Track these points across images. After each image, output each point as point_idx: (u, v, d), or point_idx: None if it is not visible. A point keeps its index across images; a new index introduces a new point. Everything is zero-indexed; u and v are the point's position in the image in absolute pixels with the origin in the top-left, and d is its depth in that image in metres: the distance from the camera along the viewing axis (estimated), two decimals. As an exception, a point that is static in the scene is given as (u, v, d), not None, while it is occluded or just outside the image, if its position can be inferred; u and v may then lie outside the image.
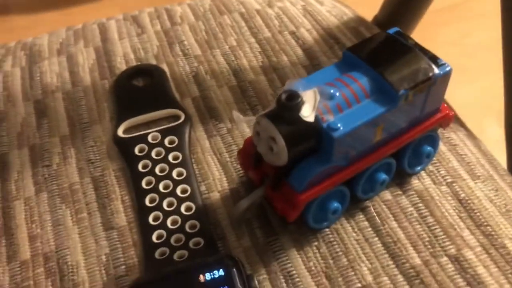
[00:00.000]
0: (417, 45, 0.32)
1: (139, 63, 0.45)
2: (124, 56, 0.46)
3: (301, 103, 0.28)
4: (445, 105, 0.34)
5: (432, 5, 0.66)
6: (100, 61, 0.46)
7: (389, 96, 0.29)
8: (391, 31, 0.33)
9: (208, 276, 0.29)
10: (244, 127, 0.32)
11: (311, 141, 0.29)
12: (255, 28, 0.47)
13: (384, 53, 0.31)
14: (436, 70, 0.30)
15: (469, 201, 0.34)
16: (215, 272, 0.29)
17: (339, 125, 0.28)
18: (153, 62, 0.45)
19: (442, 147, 0.37)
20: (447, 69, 0.31)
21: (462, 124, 0.40)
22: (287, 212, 0.30)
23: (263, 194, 0.32)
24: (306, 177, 0.30)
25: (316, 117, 0.28)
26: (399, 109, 0.30)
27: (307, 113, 0.28)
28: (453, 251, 0.32)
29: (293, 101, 0.27)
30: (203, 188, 0.36)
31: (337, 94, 0.29)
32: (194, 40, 0.47)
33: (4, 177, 0.38)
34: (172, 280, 0.29)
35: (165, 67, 0.44)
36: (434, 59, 0.31)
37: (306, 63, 0.43)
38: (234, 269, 0.29)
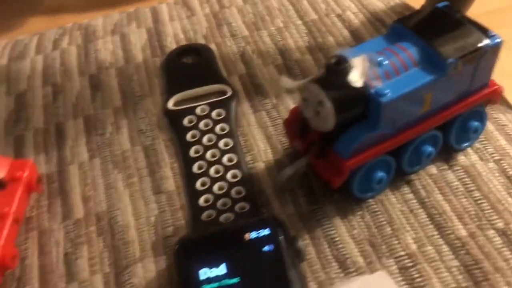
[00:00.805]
0: (466, 17, 0.32)
1: (188, 43, 0.46)
2: (174, 37, 0.47)
3: (349, 68, 0.28)
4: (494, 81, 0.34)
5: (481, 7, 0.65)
6: (152, 40, 0.47)
7: (438, 65, 0.30)
8: (440, 5, 0.33)
9: (253, 234, 0.30)
10: (290, 93, 0.32)
11: (358, 106, 0.29)
12: (301, 11, 0.48)
13: (433, 24, 0.32)
14: (486, 41, 0.30)
15: (517, 178, 0.34)
16: (261, 231, 0.30)
17: (387, 91, 0.29)
18: (202, 42, 0.46)
19: (489, 126, 0.37)
20: (498, 40, 0.31)
21: (510, 106, 0.40)
22: (332, 178, 0.31)
23: (307, 162, 0.33)
24: (352, 144, 0.30)
25: (364, 83, 0.29)
26: (448, 78, 0.30)
27: (355, 78, 0.28)
28: (500, 225, 0.31)
29: (341, 65, 0.28)
30: (248, 158, 0.37)
31: (386, 62, 0.30)
32: (241, 22, 0.48)
33: (60, 144, 0.40)
34: (218, 238, 0.30)
35: (213, 47, 0.46)
36: (484, 30, 0.31)
37: (352, 44, 0.44)
38: (279, 229, 0.30)
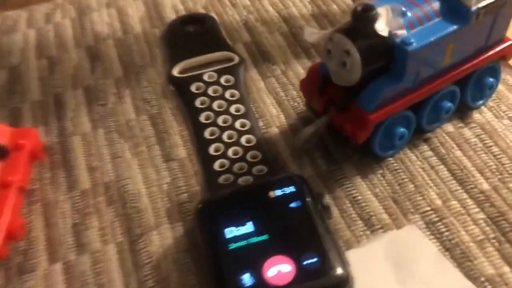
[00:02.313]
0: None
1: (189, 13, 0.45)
2: (173, 7, 0.46)
3: (376, 15, 0.28)
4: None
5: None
6: (150, 12, 0.46)
7: (461, 14, 0.29)
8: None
9: (278, 192, 0.29)
10: (313, 41, 0.30)
11: (385, 56, 0.29)
12: (302, -19, 0.47)
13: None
14: (506, -8, 0.30)
15: (533, 134, 0.34)
16: (285, 188, 0.29)
17: (412, 40, 0.28)
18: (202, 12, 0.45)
19: (500, 86, 0.37)
20: (517, -9, 0.31)
21: (516, 70, 0.40)
22: (356, 132, 0.30)
23: (327, 121, 0.32)
24: (376, 97, 0.29)
25: (390, 33, 0.28)
26: (470, 29, 0.30)
27: (381, 27, 0.28)
28: (521, 177, 0.31)
29: (368, 12, 0.27)
30: (261, 124, 0.36)
31: (409, 12, 0.29)
32: (241, -7, 0.47)
33: (60, 115, 0.38)
34: (242, 196, 0.29)
35: (214, 16, 0.45)
36: (503, -19, 0.31)
37: (356, 11, 0.43)
38: (304, 186, 0.29)
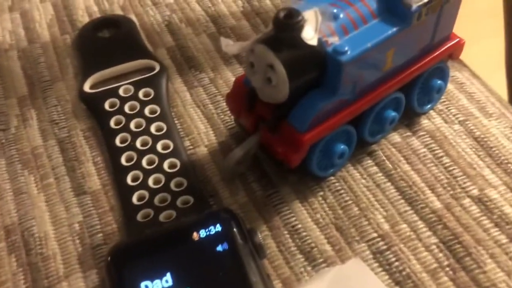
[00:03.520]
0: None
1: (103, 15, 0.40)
2: (86, 9, 0.40)
3: (303, 21, 0.23)
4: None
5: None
6: (59, 15, 0.40)
7: (400, 15, 0.26)
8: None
9: (202, 233, 0.25)
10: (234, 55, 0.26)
11: (315, 69, 0.25)
12: (231, -26, 0.43)
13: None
14: (449, -14, 0.27)
15: (485, 139, 0.31)
16: (211, 228, 0.25)
17: (346, 48, 0.24)
18: (120, 13, 0.40)
19: (449, 86, 0.34)
20: (461, -16, 0.27)
21: (465, 64, 0.37)
22: (289, 155, 0.26)
23: (258, 140, 0.28)
24: (309, 114, 0.26)
25: (319, 40, 0.24)
26: (411, 30, 0.26)
27: (309, 35, 0.24)
28: (475, 191, 0.28)
29: (293, 19, 0.23)
30: (187, 143, 0.32)
31: (341, 14, 0.25)
32: (164, -11, 0.42)
33: (-47, 146, 0.33)
34: (161, 241, 0.25)
35: (133, 18, 0.39)
36: (445, -26, 0.27)
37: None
38: (232, 222, 0.25)
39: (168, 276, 0.23)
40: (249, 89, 0.27)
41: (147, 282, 0.23)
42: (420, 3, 0.26)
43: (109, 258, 0.24)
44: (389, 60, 0.27)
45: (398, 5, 0.26)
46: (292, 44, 0.24)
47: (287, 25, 0.23)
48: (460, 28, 0.31)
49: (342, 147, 0.28)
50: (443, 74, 0.31)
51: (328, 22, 0.25)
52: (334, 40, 0.25)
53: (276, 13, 0.24)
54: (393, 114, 0.29)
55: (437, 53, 0.29)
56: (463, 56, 0.35)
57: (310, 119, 0.26)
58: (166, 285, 0.23)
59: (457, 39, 0.30)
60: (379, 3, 0.26)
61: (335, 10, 0.25)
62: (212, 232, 0.25)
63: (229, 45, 0.25)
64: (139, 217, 0.28)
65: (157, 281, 0.23)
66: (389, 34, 0.25)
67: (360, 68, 0.25)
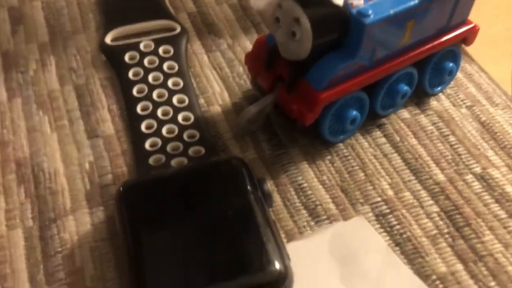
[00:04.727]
0: None
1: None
2: (112, -29, 0.41)
3: (331, -20, 0.24)
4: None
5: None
6: (85, -27, 0.41)
7: (423, -12, 0.27)
8: None
9: (214, 176, 0.25)
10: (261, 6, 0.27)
11: (338, 28, 0.26)
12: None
13: None
14: (472, -32, 0.28)
15: (490, 124, 0.32)
16: (223, 173, 0.25)
17: (370, 11, 0.25)
18: (145, -21, 0.41)
19: (458, 74, 0.35)
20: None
21: (473, 58, 0.38)
22: (304, 113, 0.27)
23: (273, 100, 0.29)
24: (327, 74, 0.26)
25: (345, 2, 0.25)
26: (431, 6, 0.27)
27: (336, -6, 0.25)
28: (478, 169, 0.29)
29: (322, -24, 0.24)
30: (201, 101, 0.32)
31: (367, -19, 0.26)
32: (190, -39, 0.43)
33: (-30, 82, 0.33)
34: (171, 182, 0.25)
35: (158, -17, 0.40)
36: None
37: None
38: (243, 169, 0.25)
39: (177, 214, 0.24)
40: (270, 47, 0.28)
41: (156, 218, 0.24)
42: (444, -22, 0.27)
43: (120, 190, 0.25)
44: (407, 33, 0.28)
45: (423, -22, 0.27)
46: (319, 1, 0.25)
47: (316, -19, 0.24)
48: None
49: (354, 113, 0.29)
50: (455, 58, 0.32)
51: (354, -14, 0.26)
52: (359, 2, 0.26)
53: (306, -30, 0.25)
54: (405, 88, 0.30)
55: (452, 35, 0.30)
56: (472, 51, 0.36)
57: (328, 78, 0.26)
58: (174, 222, 0.24)
59: (472, 25, 0.31)
60: (405, -26, 0.27)
61: (362, -24, 0.26)
62: (224, 177, 0.25)
63: (257, 0, 0.26)
64: (151, 161, 0.28)
65: (166, 217, 0.24)
66: (412, 5, 0.26)
67: (381, 34, 0.26)
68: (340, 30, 0.26)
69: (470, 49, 0.35)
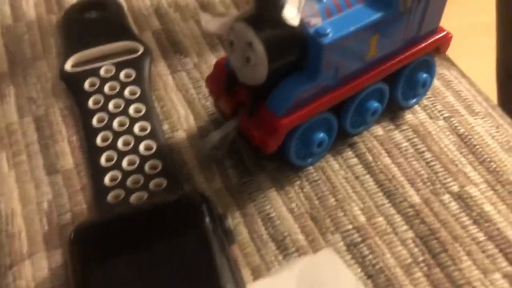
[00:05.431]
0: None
1: (92, -3, 0.39)
2: (74, -10, 0.40)
3: (284, 1, 0.23)
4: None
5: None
6: (47, -5, 0.40)
7: (386, 2, 0.25)
8: None
9: (171, 215, 0.24)
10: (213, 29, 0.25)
11: (295, 50, 0.24)
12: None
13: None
14: (438, -25, 0.26)
15: (469, 137, 0.30)
16: (180, 210, 0.24)
17: (328, 30, 0.24)
18: (109, -4, 0.39)
19: (435, 82, 0.33)
20: (450, -25, 0.27)
21: (453, 63, 0.36)
22: (265, 140, 0.26)
23: (237, 125, 0.27)
24: (288, 98, 0.25)
25: (301, 21, 0.24)
26: (396, 18, 0.26)
27: (292, 14, 0.23)
28: (455, 188, 0.28)
29: (274, -3, 0.23)
30: (166, 127, 0.31)
31: (325, -3, 0.25)
32: (155, -25, 0.41)
33: None
34: (127, 222, 0.24)
35: (122, 0, 0.39)
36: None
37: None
38: (203, 206, 0.24)
39: (132, 257, 0.23)
40: (229, 70, 0.27)
41: (110, 262, 0.22)
42: (406, -10, 0.25)
43: (72, 235, 0.23)
44: (372, 48, 0.26)
45: (384, -9, 0.25)
46: (272, 22, 0.23)
47: (268, 3, 0.23)
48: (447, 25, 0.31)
49: (321, 135, 0.27)
50: (429, 68, 0.30)
51: (311, 4, 0.24)
52: (316, 21, 0.24)
53: (258, -10, 0.23)
54: (375, 105, 0.28)
55: (423, 45, 0.28)
56: (452, 55, 0.35)
57: (289, 103, 0.25)
58: (129, 265, 0.22)
59: (444, 32, 0.29)
60: (365, -13, 0.25)
61: (319, -8, 0.25)
62: (182, 215, 0.24)
63: (209, 21, 0.24)
64: (109, 198, 0.27)
65: (120, 260, 0.22)
66: (373, 20, 0.25)
67: (342, 52, 0.25)
68: (298, 52, 0.24)
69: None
